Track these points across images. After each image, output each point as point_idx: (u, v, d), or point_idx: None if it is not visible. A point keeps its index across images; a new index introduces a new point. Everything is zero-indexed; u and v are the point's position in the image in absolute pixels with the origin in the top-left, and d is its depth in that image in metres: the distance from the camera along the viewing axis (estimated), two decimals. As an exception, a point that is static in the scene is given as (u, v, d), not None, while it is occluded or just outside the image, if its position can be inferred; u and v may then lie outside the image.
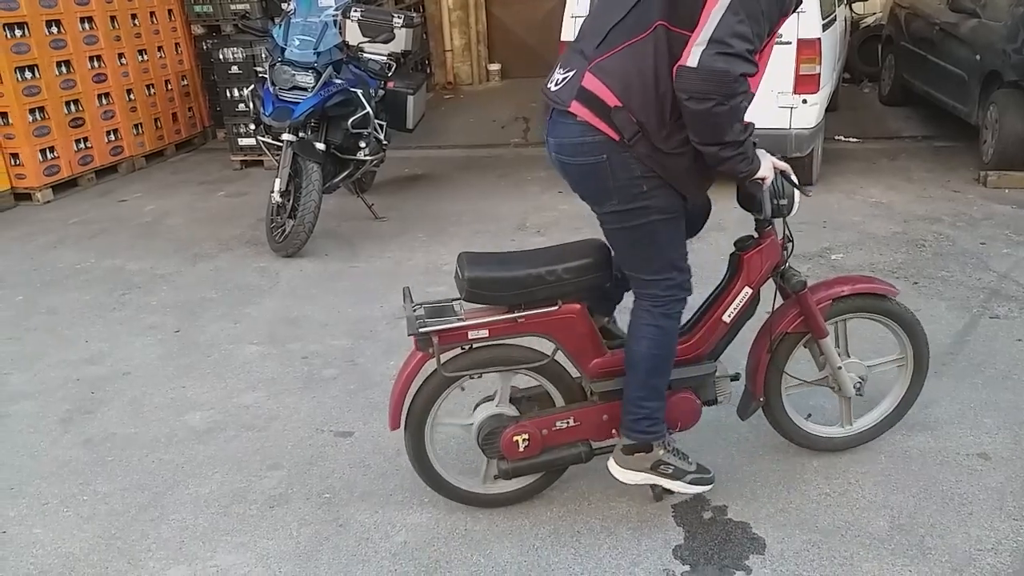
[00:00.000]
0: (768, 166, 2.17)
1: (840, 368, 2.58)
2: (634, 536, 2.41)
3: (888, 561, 2.26)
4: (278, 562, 2.38)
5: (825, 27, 5.26)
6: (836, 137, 6.80)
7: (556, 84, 2.16)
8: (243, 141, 6.82)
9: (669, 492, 2.44)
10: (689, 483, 2.39)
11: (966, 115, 6.19)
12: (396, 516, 2.54)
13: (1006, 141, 5.47)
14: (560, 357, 2.41)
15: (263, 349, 3.70)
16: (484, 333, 2.29)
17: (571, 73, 2.11)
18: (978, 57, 5.95)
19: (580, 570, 2.29)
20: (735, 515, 2.47)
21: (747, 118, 2.01)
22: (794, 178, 2.32)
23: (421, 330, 2.22)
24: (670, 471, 2.37)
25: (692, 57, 1.86)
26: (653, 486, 2.52)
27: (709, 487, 2.44)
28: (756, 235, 2.42)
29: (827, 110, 5.80)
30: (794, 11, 2.05)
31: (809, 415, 2.75)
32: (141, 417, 3.19)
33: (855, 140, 6.90)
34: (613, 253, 2.33)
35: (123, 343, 3.83)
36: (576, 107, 2.07)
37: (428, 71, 9.99)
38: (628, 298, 2.44)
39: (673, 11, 1.96)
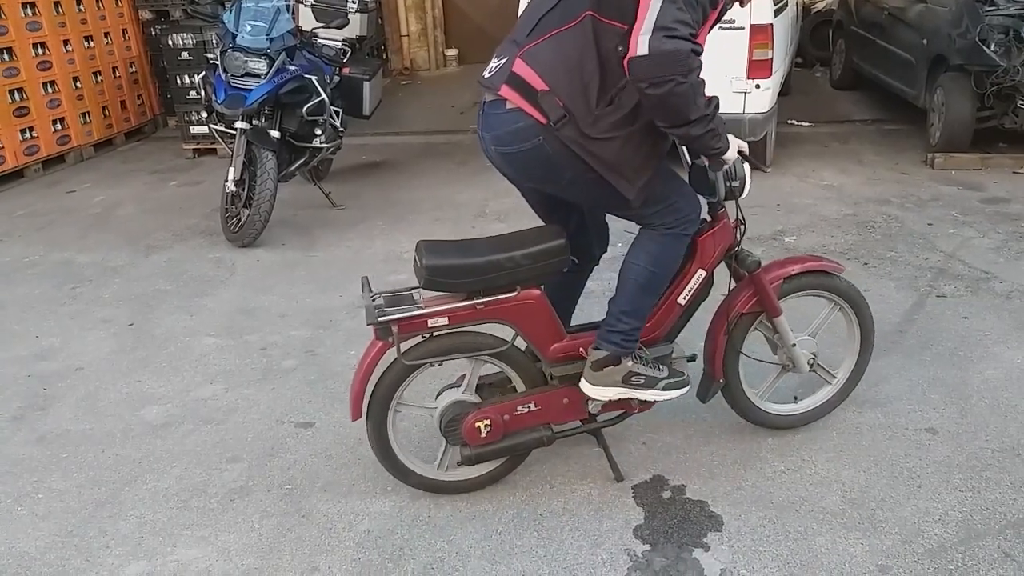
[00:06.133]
0: (734, 147, 2.21)
1: (794, 345, 2.64)
2: (595, 517, 2.44)
3: (841, 534, 2.33)
4: (240, 555, 2.36)
5: (777, 12, 5.34)
6: (789, 121, 6.92)
7: (490, 72, 2.20)
8: (195, 129, 6.70)
9: (646, 404, 2.43)
10: (663, 389, 2.39)
11: (914, 98, 6.34)
12: (359, 505, 2.54)
13: (952, 124, 5.62)
14: (520, 342, 2.43)
15: (220, 341, 3.65)
16: (444, 321, 2.30)
17: (503, 60, 2.15)
18: (925, 41, 6.10)
19: (543, 553, 2.32)
20: (693, 494, 2.52)
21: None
22: (747, 153, 2.35)
23: (380, 319, 2.22)
24: (642, 381, 2.37)
25: (640, 46, 1.88)
26: (613, 467, 2.57)
27: (685, 390, 2.44)
28: (709, 218, 2.46)
29: (780, 94, 5.89)
30: (718, 10, 2.05)
31: (796, 397, 2.82)
32: (96, 413, 3.13)
33: (807, 124, 7.02)
34: (595, 217, 2.36)
35: (75, 338, 3.75)
36: (506, 91, 2.10)
37: (384, 57, 9.88)
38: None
39: (603, 3, 2.01)
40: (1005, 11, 5.48)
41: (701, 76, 1.97)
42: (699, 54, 1.93)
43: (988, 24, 5.42)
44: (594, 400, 2.41)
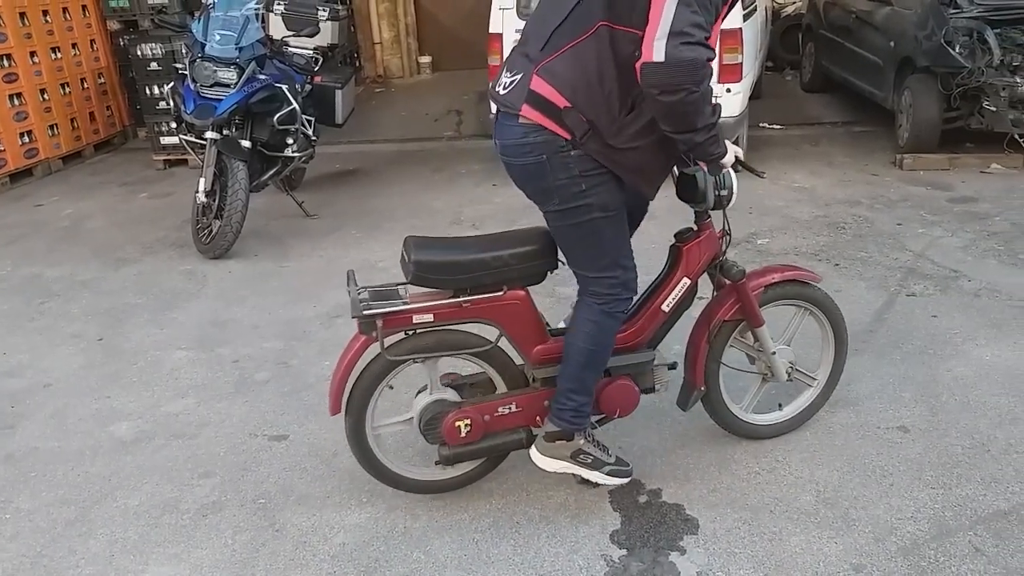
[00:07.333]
0: (731, 153, 2.23)
1: (774, 354, 2.65)
2: (572, 524, 2.44)
3: (815, 534, 2.34)
4: (213, 571, 2.33)
5: (746, 17, 5.39)
6: (760, 124, 6.98)
7: (504, 88, 2.18)
8: (165, 140, 6.62)
9: (588, 483, 2.48)
10: (607, 474, 2.44)
11: (882, 100, 6.43)
12: (334, 518, 2.52)
13: (920, 125, 5.70)
14: (503, 343, 2.42)
15: (191, 354, 3.60)
16: (429, 317, 2.29)
17: (518, 76, 2.13)
18: (892, 44, 6.19)
19: (520, 560, 2.31)
20: (669, 497, 2.53)
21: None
22: (743, 159, 2.37)
23: (365, 313, 2.21)
24: (589, 461, 2.41)
25: (656, 52, 1.87)
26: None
27: (626, 480, 2.49)
28: (695, 227, 2.47)
29: (751, 98, 5.94)
30: (728, 4, 2.06)
31: (780, 404, 2.83)
32: (64, 430, 3.07)
33: (778, 127, 7.09)
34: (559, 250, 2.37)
35: (43, 354, 3.69)
36: (527, 110, 2.09)
37: (357, 64, 9.85)
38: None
39: (613, 10, 1.99)
40: (969, 13, 5.57)
41: (710, 84, 1.97)
42: (712, 60, 1.93)
43: (953, 26, 5.51)
44: (541, 470, 2.44)
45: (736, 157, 2.30)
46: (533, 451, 2.42)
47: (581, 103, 2.05)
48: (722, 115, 4.91)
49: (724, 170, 2.28)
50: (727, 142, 2.22)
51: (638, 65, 1.92)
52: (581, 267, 2.31)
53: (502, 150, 2.22)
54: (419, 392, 2.51)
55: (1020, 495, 2.45)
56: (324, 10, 5.23)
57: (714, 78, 5.31)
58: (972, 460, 2.62)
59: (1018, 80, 5.35)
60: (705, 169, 2.31)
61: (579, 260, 2.31)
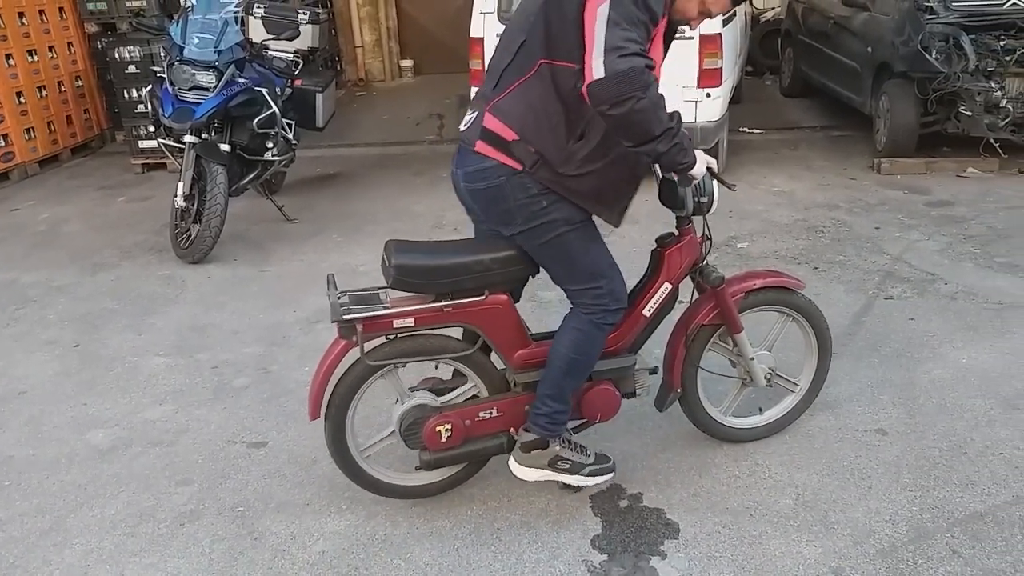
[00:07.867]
0: (702, 161, 2.24)
1: (752, 359, 2.66)
2: (553, 529, 2.43)
3: (794, 537, 2.36)
4: (190, 581, 2.30)
5: (725, 22, 5.42)
6: (740, 129, 7.03)
7: (465, 125, 2.26)
8: (144, 143, 6.57)
9: (569, 487, 2.48)
10: (588, 475, 2.44)
11: (860, 105, 6.49)
12: (313, 525, 2.50)
13: (897, 129, 5.76)
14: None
15: (170, 360, 3.57)
16: (410, 322, 2.28)
17: (475, 115, 2.23)
18: (870, 49, 6.25)
19: (501, 567, 2.30)
20: (650, 502, 2.53)
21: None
22: (716, 171, 2.36)
23: (345, 317, 2.20)
24: (567, 466, 2.42)
25: (596, 70, 1.92)
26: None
27: (609, 476, 2.49)
28: (676, 232, 2.48)
29: (731, 103, 5.98)
30: (661, 26, 2.06)
31: (760, 409, 2.83)
32: (40, 438, 3.03)
33: (758, 131, 7.14)
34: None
35: (18, 360, 3.64)
36: (481, 146, 2.18)
37: (338, 68, 9.82)
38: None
39: (552, 48, 2.07)
40: (945, 19, 5.64)
41: (660, 91, 1.99)
42: (652, 68, 1.96)
43: (929, 32, 5.57)
44: (522, 480, 2.44)
45: (708, 168, 2.30)
46: (511, 462, 2.42)
47: (529, 135, 2.12)
48: (702, 120, 4.90)
49: (695, 181, 2.28)
50: (699, 152, 2.22)
51: (584, 89, 1.96)
52: (562, 282, 2.33)
53: (463, 177, 2.26)
54: (416, 389, 2.50)
55: (996, 497, 2.48)
56: (304, 13, 5.22)
57: (694, 82, 5.38)
58: (949, 462, 2.65)
59: (993, 85, 5.43)
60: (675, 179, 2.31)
61: (558, 276, 2.33)
